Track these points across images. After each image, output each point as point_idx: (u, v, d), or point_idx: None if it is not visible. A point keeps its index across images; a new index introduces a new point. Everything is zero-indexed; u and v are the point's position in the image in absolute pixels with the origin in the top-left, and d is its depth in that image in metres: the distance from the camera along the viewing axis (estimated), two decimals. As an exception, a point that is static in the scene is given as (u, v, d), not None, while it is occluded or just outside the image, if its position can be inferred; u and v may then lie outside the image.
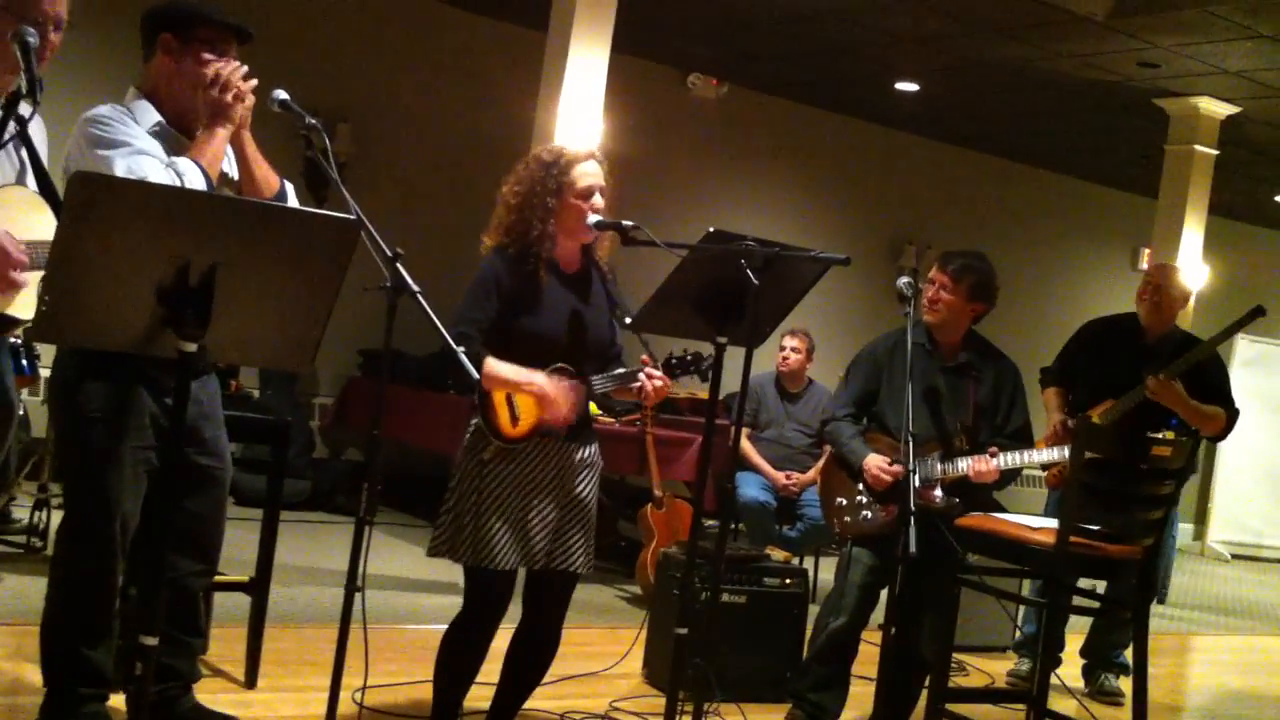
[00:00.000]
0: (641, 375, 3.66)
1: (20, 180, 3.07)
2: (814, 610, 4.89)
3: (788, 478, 7.12)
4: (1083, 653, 6.04)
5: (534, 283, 3.65)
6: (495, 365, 3.56)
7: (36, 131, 3.08)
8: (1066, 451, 4.36)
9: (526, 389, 3.57)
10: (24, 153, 3.03)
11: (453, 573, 3.67)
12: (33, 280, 2.92)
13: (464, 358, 3.15)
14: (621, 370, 3.72)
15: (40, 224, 2.98)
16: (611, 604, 6.61)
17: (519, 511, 3.61)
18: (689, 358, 3.76)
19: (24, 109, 2.88)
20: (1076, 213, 12.85)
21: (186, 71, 3.29)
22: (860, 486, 4.51)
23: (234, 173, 3.44)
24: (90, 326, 2.55)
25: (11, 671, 4.09)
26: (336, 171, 3.18)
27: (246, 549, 4.43)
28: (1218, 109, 9.32)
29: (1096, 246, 12.97)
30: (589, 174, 3.69)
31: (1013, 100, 10.15)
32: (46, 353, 5.83)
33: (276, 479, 4.40)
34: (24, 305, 2.94)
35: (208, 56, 3.29)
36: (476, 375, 3.22)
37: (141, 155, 3.13)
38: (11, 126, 2.80)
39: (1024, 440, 4.50)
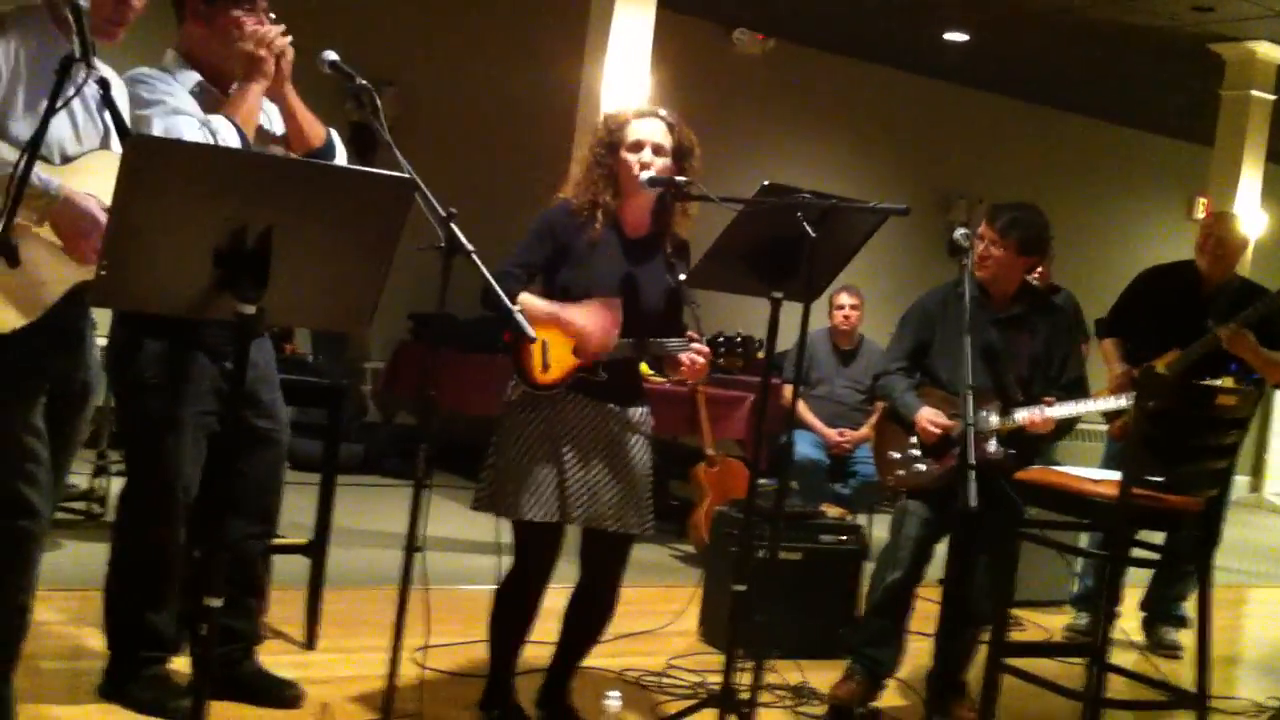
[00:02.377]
0: (689, 348, 3.62)
1: (105, 144, 3.06)
2: (869, 567, 4.87)
3: (841, 435, 7.08)
4: (1143, 606, 5.99)
5: (588, 238, 3.63)
6: (529, 300, 3.54)
7: (119, 94, 3.08)
8: (1124, 399, 4.31)
9: (560, 323, 3.53)
10: (108, 116, 3.02)
11: (505, 533, 3.68)
12: None
13: (520, 318, 3.14)
14: (666, 339, 3.66)
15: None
16: (665, 562, 6.62)
17: (551, 462, 3.58)
18: (738, 340, 3.68)
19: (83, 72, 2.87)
20: (1130, 162, 12.66)
21: (219, 32, 3.29)
22: (913, 440, 4.47)
23: (279, 129, 3.44)
24: (148, 290, 2.54)
25: (74, 636, 4.14)
26: (386, 131, 3.17)
27: (303, 513, 4.46)
28: (1275, 53, 9.14)
29: (1151, 196, 12.77)
30: (642, 129, 3.66)
31: (1063, 49, 9.99)
32: (102, 321, 5.91)
33: (332, 442, 4.42)
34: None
35: (237, 14, 3.28)
36: (531, 334, 3.21)
37: (178, 114, 3.13)
38: (71, 88, 2.79)
39: (1079, 391, 4.44)
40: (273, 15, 3.32)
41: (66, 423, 3.09)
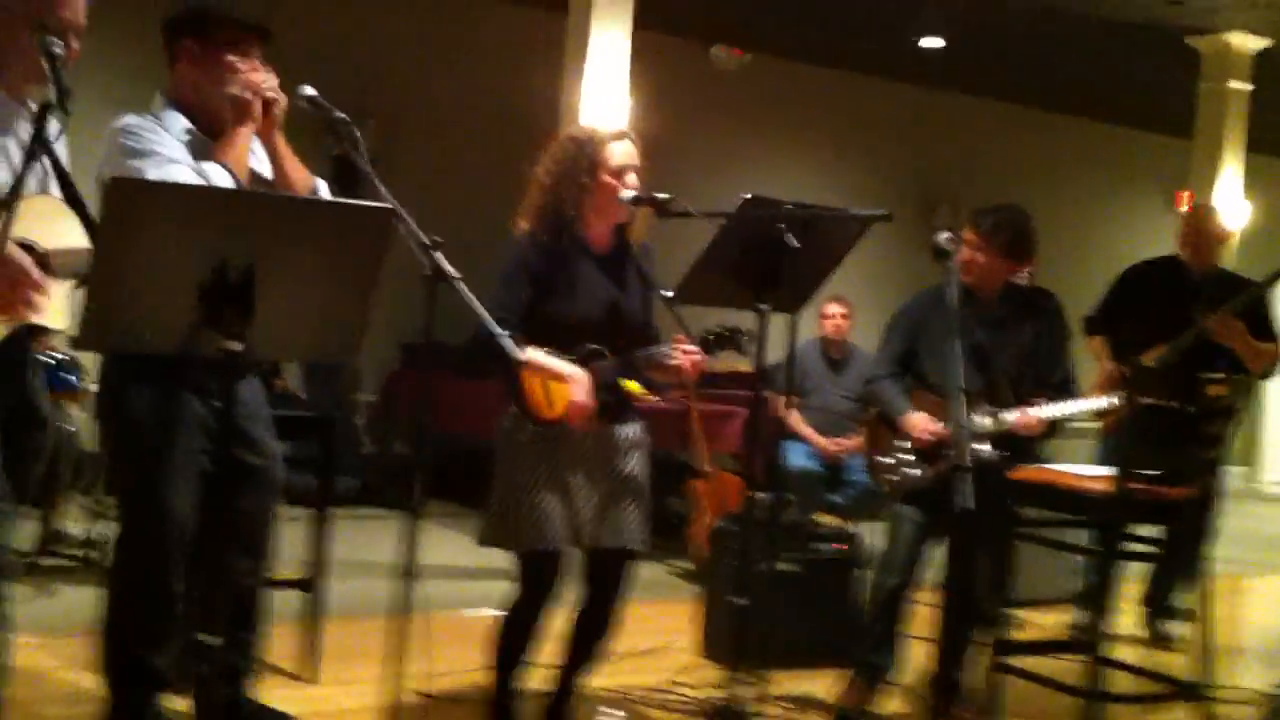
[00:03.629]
0: (677, 351, 3.63)
1: (44, 189, 3.06)
2: (867, 573, 4.87)
3: (834, 444, 7.09)
4: (1143, 601, 5.99)
5: (565, 265, 3.64)
6: (531, 353, 3.55)
7: (59, 139, 3.07)
8: (1115, 398, 4.32)
9: (561, 376, 3.55)
10: (46, 160, 3.02)
11: (504, 558, 3.68)
12: (60, 289, 2.92)
13: (506, 341, 3.15)
14: (656, 349, 3.68)
15: (67, 232, 2.98)
16: (662, 579, 6.61)
17: (561, 491, 3.60)
18: (726, 333, 3.70)
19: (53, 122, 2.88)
20: (1111, 158, 12.70)
21: (211, 76, 3.27)
22: (905, 444, 4.48)
23: (268, 173, 3.44)
24: (133, 331, 2.55)
25: (71, 681, 4.13)
26: (367, 163, 3.17)
27: (299, 547, 4.45)
28: (1250, 43, 9.18)
29: (1133, 191, 12.82)
30: (623, 152, 3.67)
31: (1039, 47, 10.03)
32: (92, 367, 5.90)
33: (326, 474, 4.41)
34: (54, 315, 2.95)
35: (230, 59, 3.27)
36: (520, 357, 3.22)
37: (172, 164, 3.13)
38: (27, 131, 2.78)
39: (1069, 390, 4.45)
40: (272, 77, 3.30)
41: (17, 453, 3.06)
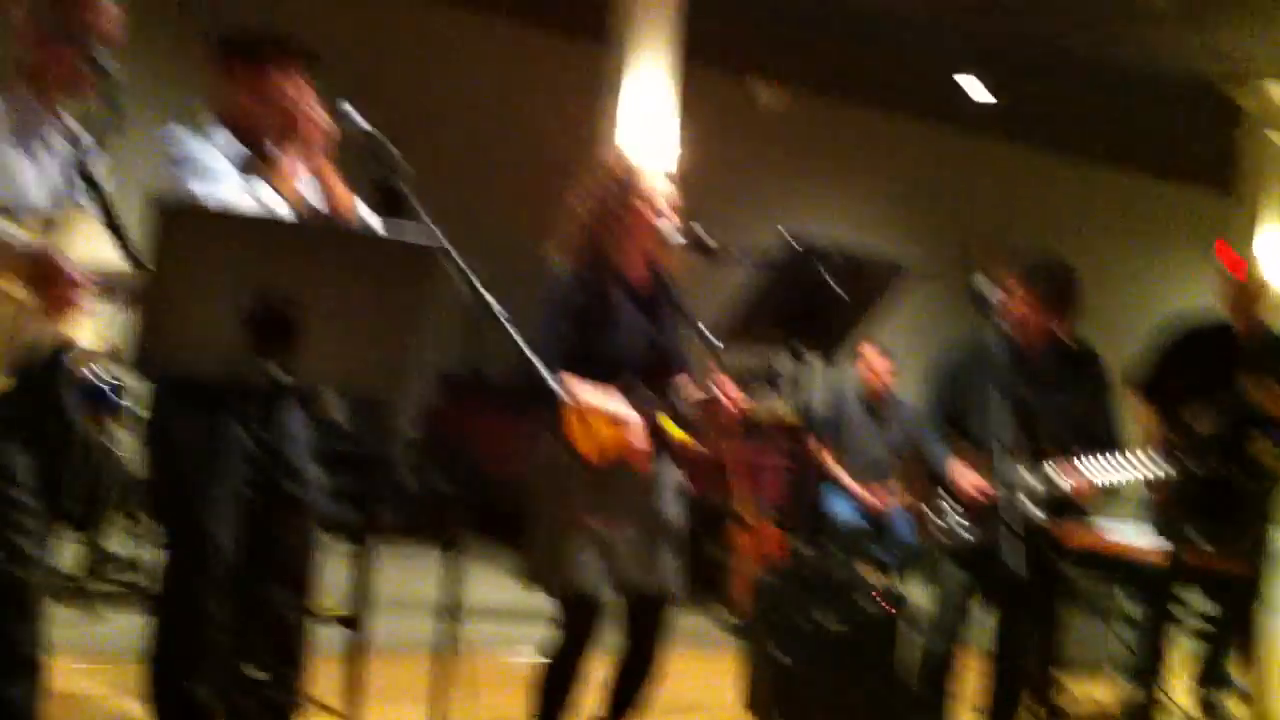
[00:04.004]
0: (716, 391, 3.60)
1: (78, 204, 3.07)
2: (910, 631, 4.80)
3: (875, 494, 7.02)
4: (1193, 672, 5.87)
5: (605, 300, 3.64)
6: (577, 387, 3.54)
7: (97, 158, 3.10)
8: (1166, 466, 4.24)
9: (610, 417, 3.53)
10: (78, 175, 3.03)
11: (545, 599, 3.65)
12: (94, 310, 2.96)
13: (549, 378, 3.14)
14: (696, 387, 3.67)
15: (99, 250, 3.01)
16: (705, 630, 6.55)
17: (602, 533, 3.58)
18: (763, 372, 3.68)
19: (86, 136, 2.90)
20: (1151, 210, 12.61)
21: (258, 97, 3.32)
22: (950, 499, 4.43)
23: (318, 202, 3.46)
24: (180, 355, 2.57)
25: (116, 709, 4.13)
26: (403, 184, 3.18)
27: (339, 580, 4.44)
28: (1290, 97, 9.11)
29: (1172, 244, 12.72)
30: (660, 187, 3.66)
31: (1081, 98, 9.99)
32: (138, 390, 5.93)
33: (367, 508, 4.40)
34: (88, 332, 2.99)
35: (276, 81, 3.31)
36: (563, 395, 3.20)
37: (214, 176, 3.16)
38: (60, 141, 2.83)
39: (1116, 448, 4.38)
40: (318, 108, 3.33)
41: (52, 471, 3.12)
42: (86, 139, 2.93)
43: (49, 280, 2.83)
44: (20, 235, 2.83)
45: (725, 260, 3.58)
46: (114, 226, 3.07)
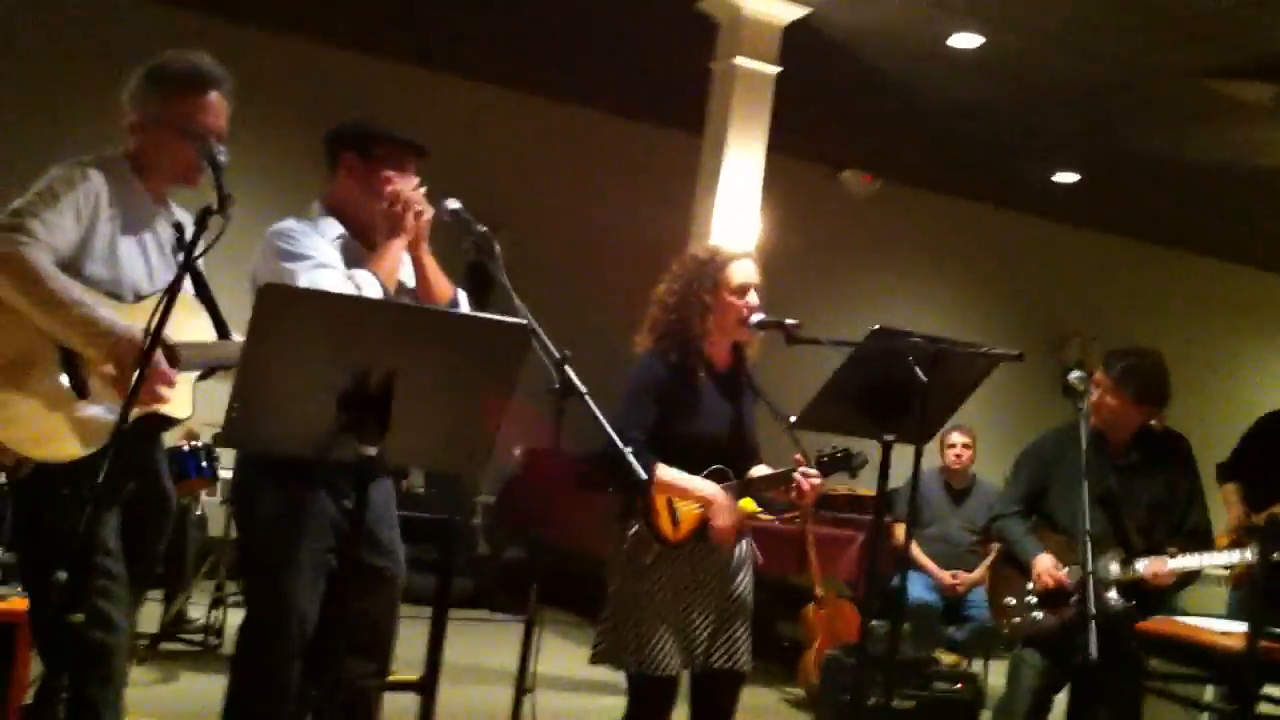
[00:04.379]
0: (797, 475, 3.63)
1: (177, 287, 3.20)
2: (986, 716, 4.75)
3: (954, 577, 6.96)
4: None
5: (692, 384, 3.68)
6: (665, 471, 3.58)
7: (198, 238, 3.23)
8: (1248, 552, 4.19)
9: (697, 496, 3.57)
10: (179, 256, 3.16)
11: (618, 674, 3.66)
12: (185, 380, 3.07)
13: (633, 459, 3.17)
14: (779, 470, 3.69)
15: (195, 326, 3.13)
16: (774, 706, 6.51)
17: (681, 615, 3.59)
18: (840, 454, 3.69)
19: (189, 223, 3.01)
20: (1247, 301, 12.46)
21: (369, 189, 3.41)
22: (1030, 586, 4.39)
23: (411, 282, 3.55)
24: (275, 432, 2.63)
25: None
26: (504, 275, 3.26)
27: (413, 648, 4.48)
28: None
29: (1264, 334, 12.54)
30: (745, 271, 3.72)
31: (1176, 189, 9.96)
32: (225, 455, 6.07)
33: (445, 578, 4.45)
34: (179, 405, 3.08)
35: (389, 174, 3.41)
36: (645, 477, 3.23)
37: (323, 268, 3.24)
38: (167, 233, 2.96)
39: (1202, 540, 4.33)
40: (422, 188, 3.43)
41: (143, 539, 3.21)
42: (189, 224, 3.06)
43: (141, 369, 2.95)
44: (120, 322, 2.94)
45: (807, 342, 3.60)
46: (210, 305, 3.19)
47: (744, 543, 3.77)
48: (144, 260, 3.14)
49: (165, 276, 3.19)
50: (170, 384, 3.01)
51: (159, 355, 2.97)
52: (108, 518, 3.09)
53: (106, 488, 2.97)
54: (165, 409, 3.06)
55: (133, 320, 2.96)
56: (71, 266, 2.99)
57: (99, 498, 3.00)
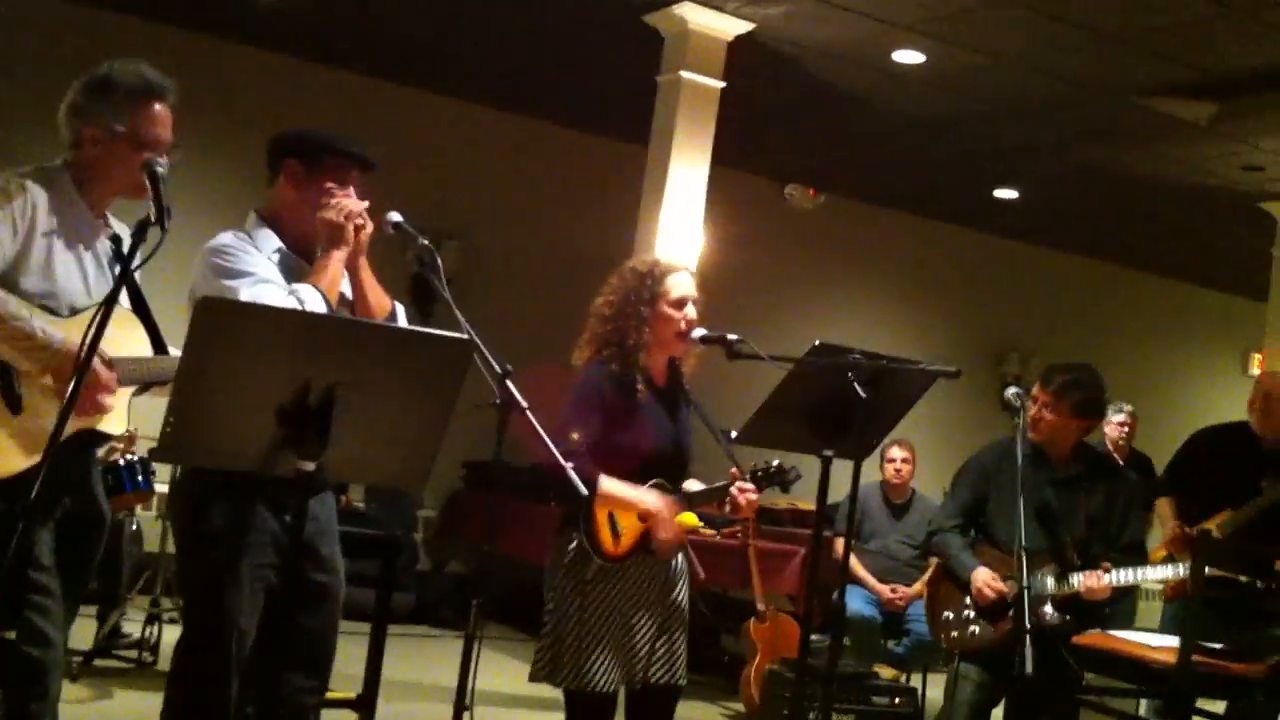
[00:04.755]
0: (733, 489, 3.64)
1: (115, 300, 3.16)
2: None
3: (893, 591, 7.00)
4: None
5: (633, 396, 3.67)
6: (608, 484, 3.57)
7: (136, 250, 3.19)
8: (1183, 568, 4.24)
9: (638, 507, 3.57)
10: (116, 269, 3.13)
11: (559, 691, 3.65)
12: (121, 395, 3.04)
13: (573, 474, 3.16)
14: (715, 485, 3.70)
15: (131, 341, 3.10)
16: (711, 718, 6.51)
17: (622, 631, 3.59)
18: (773, 469, 3.72)
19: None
20: (1184, 317, 12.65)
21: (310, 199, 3.36)
22: (968, 600, 4.43)
23: (349, 293, 3.52)
24: (213, 447, 2.60)
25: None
26: (446, 289, 3.25)
27: (352, 664, 4.45)
28: (1326, 211, 9.19)
29: (1206, 352, 12.73)
30: (682, 284, 3.73)
31: (1115, 206, 10.09)
32: (161, 469, 5.98)
33: (385, 594, 4.42)
34: (114, 421, 3.06)
35: (331, 186, 3.37)
36: (585, 491, 3.23)
37: (265, 284, 3.20)
38: (103, 245, 2.93)
39: (1138, 555, 4.39)
40: (364, 203, 3.39)
41: (76, 553, 3.18)
42: (127, 237, 3.03)
43: (87, 386, 2.90)
44: (57, 335, 2.91)
45: (748, 357, 3.62)
46: (146, 320, 3.15)
47: (681, 558, 3.77)
48: (81, 274, 3.10)
49: (102, 290, 3.15)
50: (112, 392, 2.98)
51: (98, 363, 2.94)
52: (42, 534, 3.06)
53: (41, 503, 2.95)
54: (100, 424, 3.03)
55: (68, 334, 2.93)
56: (6, 280, 2.95)
57: (33, 513, 2.99)
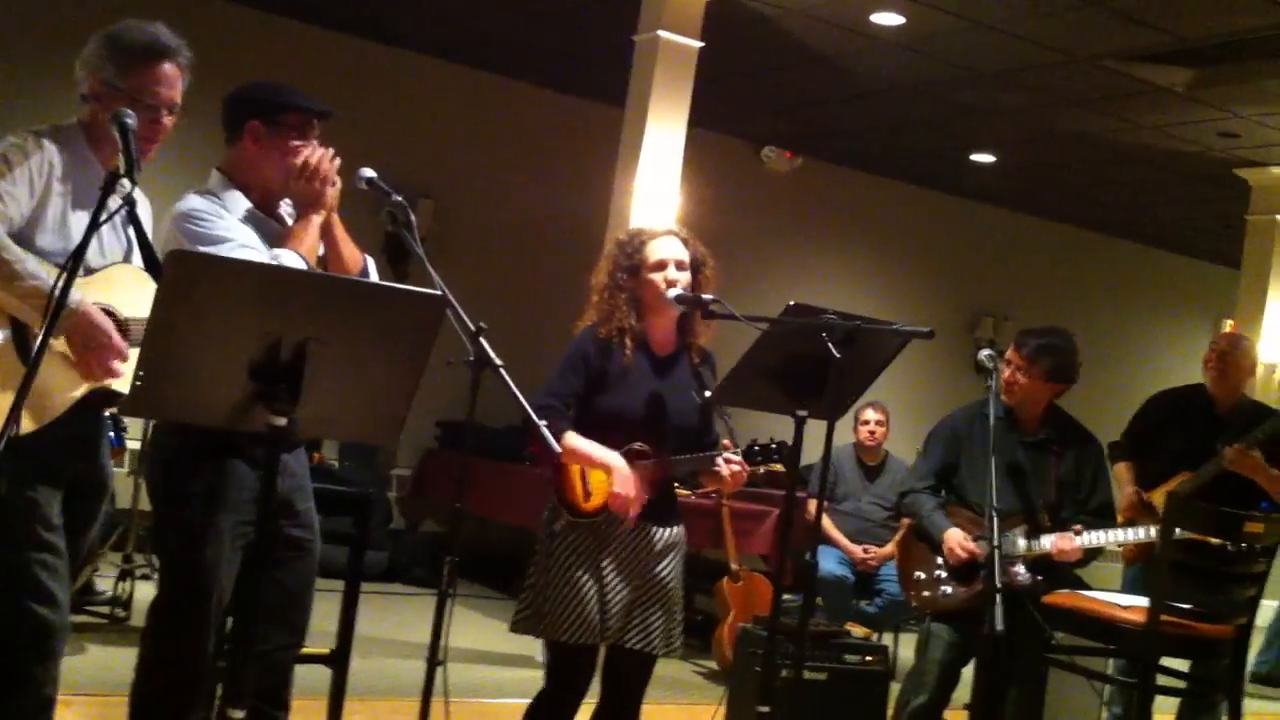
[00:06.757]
0: (720, 460, 3.64)
1: (127, 258, 3.16)
2: (895, 688, 4.81)
3: (865, 551, 7.04)
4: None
5: (620, 361, 3.68)
6: (573, 439, 3.59)
7: (141, 209, 3.17)
8: (1152, 530, 4.28)
9: (600, 465, 3.58)
10: (130, 231, 3.12)
11: (532, 647, 3.66)
12: (135, 355, 3.00)
13: (545, 430, 3.16)
14: (701, 454, 3.69)
15: (146, 301, 3.05)
16: (688, 679, 6.55)
17: (592, 585, 3.60)
18: (773, 446, 3.70)
19: (123, 188, 2.96)
20: (1157, 283, 12.72)
21: (274, 157, 3.33)
22: (940, 561, 4.46)
23: (320, 249, 3.50)
24: (183, 402, 2.60)
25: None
26: (420, 246, 3.24)
27: (326, 620, 4.44)
28: (1300, 178, 9.23)
29: (1178, 318, 12.81)
30: (664, 247, 3.72)
31: (1091, 171, 10.11)
32: (133, 425, 5.95)
33: (358, 551, 4.42)
34: (126, 381, 3.02)
35: (295, 143, 3.33)
36: (557, 448, 3.23)
37: (245, 249, 3.18)
38: (115, 203, 2.89)
39: (1107, 517, 4.43)
40: (334, 155, 3.35)
41: (80, 517, 3.18)
42: (143, 200, 3.01)
43: (93, 346, 2.94)
44: (74, 295, 2.88)
45: (722, 317, 3.62)
46: (159, 275, 3.13)
47: (676, 528, 3.77)
48: (98, 239, 3.05)
49: (115, 250, 3.15)
50: (124, 358, 2.97)
51: (111, 329, 2.94)
52: (52, 494, 3.05)
53: (52, 464, 2.94)
54: (114, 385, 3.01)
55: (83, 294, 2.91)
56: (22, 237, 2.93)
57: (46, 473, 2.97)
